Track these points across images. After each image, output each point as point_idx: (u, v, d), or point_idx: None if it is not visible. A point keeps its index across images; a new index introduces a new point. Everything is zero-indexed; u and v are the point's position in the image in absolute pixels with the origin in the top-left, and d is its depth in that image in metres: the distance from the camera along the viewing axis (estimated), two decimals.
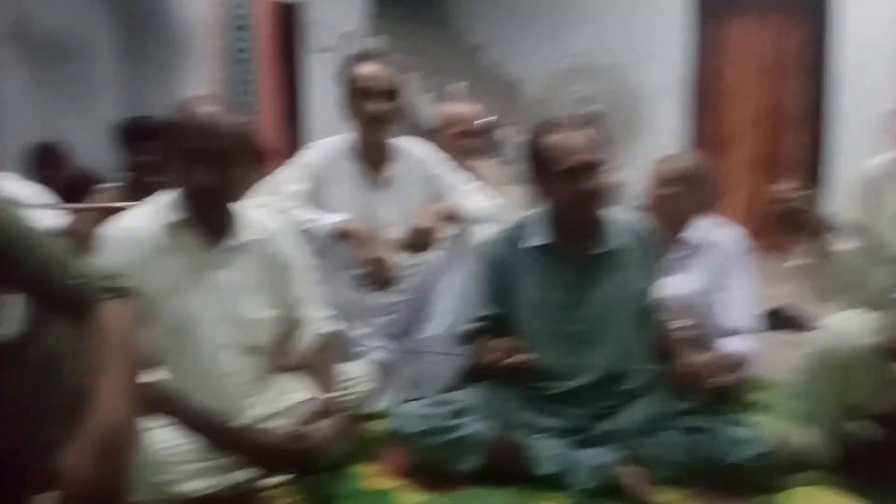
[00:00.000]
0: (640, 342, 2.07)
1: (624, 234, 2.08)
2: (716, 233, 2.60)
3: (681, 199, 2.58)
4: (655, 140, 5.89)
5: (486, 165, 3.23)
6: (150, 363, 1.61)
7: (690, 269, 2.54)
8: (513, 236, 2.14)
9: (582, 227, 2.06)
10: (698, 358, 2.07)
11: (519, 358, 1.98)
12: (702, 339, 2.33)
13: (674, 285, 2.36)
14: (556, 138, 1.98)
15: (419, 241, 2.39)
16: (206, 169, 1.70)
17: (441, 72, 6.27)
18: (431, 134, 3.08)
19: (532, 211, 2.14)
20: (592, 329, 2.03)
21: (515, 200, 2.80)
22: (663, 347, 2.09)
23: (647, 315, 2.08)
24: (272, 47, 3.61)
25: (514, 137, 5.39)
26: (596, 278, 2.05)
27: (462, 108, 3.18)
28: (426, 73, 6.22)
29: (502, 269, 2.12)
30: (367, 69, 2.49)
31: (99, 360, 1.28)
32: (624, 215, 2.14)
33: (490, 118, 3.34)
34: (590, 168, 1.96)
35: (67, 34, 5.47)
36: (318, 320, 1.98)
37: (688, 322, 2.21)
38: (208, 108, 1.74)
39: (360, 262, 2.32)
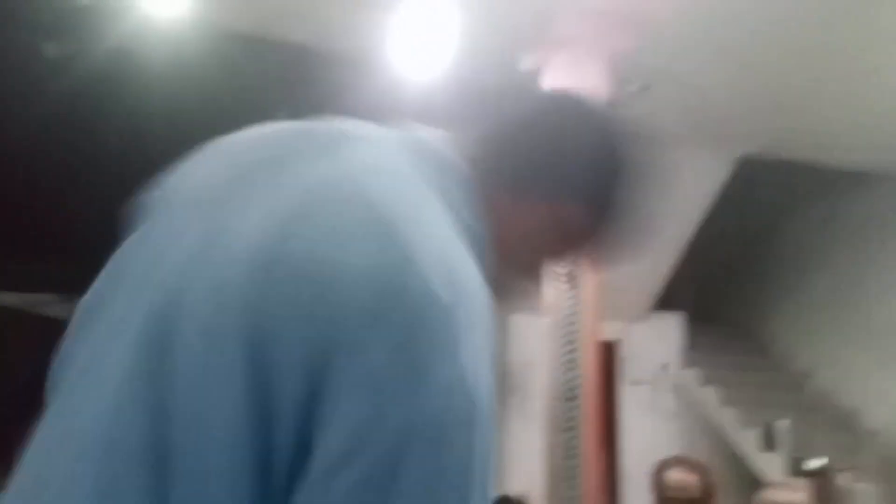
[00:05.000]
0: None
1: None
2: None
3: None
4: None
5: None
6: None
7: None
8: None
9: None
10: None
11: None
12: None
13: None
14: None
15: None
16: None
17: (763, 404, 6.04)
18: None
19: None
20: None
21: None
22: None
23: None
24: (596, 383, 3.90)
25: (853, 483, 4.91)
26: None
27: (788, 496, 2.82)
28: (746, 407, 6.04)
29: None
30: (675, 477, 2.59)
31: None
32: None
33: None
34: None
35: None
36: None
37: None
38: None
39: None
